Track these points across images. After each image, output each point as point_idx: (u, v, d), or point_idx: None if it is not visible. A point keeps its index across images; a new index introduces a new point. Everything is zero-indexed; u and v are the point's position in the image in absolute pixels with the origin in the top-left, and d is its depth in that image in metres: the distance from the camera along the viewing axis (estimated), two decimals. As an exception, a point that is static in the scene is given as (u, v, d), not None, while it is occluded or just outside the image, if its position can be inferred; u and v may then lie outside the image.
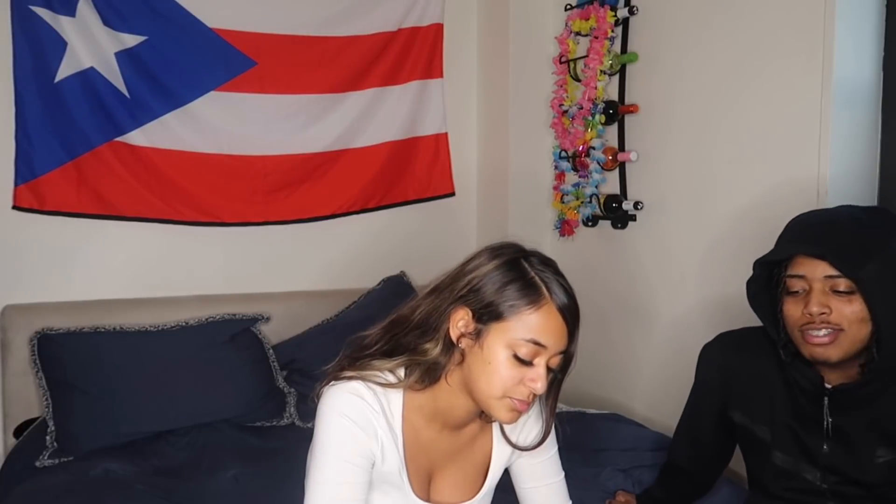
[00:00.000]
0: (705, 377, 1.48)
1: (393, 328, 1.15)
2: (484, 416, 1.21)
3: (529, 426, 1.24)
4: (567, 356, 1.10)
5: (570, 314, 1.07)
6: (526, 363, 1.05)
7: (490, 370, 1.06)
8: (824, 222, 1.26)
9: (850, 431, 1.28)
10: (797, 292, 1.24)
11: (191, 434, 2.00)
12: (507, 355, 1.05)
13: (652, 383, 2.31)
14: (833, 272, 1.19)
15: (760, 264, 1.30)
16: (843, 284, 1.19)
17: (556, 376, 1.11)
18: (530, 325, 1.04)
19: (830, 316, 1.20)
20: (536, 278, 1.06)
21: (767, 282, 1.31)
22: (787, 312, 1.26)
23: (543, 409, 1.20)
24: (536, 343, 1.05)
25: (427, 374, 1.11)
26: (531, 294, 1.05)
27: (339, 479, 1.07)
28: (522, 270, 1.07)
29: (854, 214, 1.26)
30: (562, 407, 2.12)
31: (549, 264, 1.10)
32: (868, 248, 1.18)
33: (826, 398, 1.29)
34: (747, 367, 1.39)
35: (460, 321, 1.08)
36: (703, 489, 1.61)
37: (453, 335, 1.09)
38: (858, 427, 1.27)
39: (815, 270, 1.21)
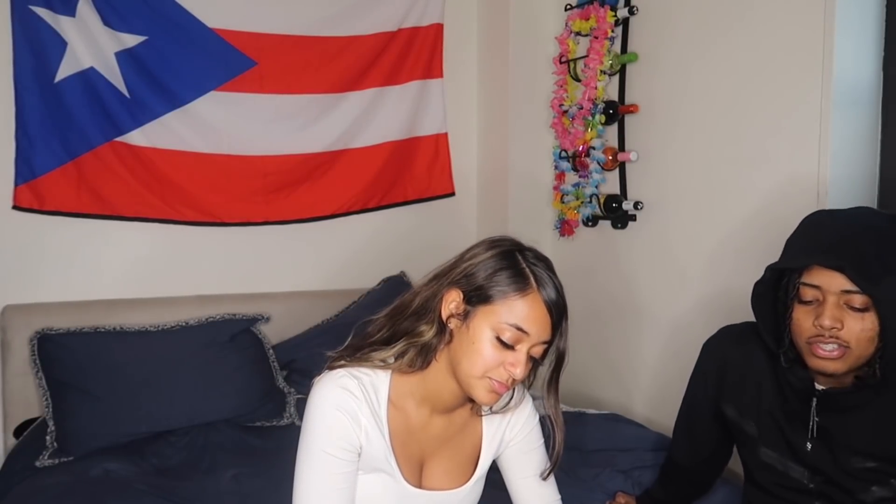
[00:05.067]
0: (703, 369, 1.47)
1: (395, 314, 1.20)
2: (474, 408, 1.24)
3: (516, 418, 1.27)
4: (558, 353, 1.15)
5: (556, 307, 1.11)
6: (508, 347, 1.10)
7: (473, 350, 1.10)
8: (844, 230, 1.18)
9: (834, 434, 1.27)
10: (810, 302, 1.19)
11: (191, 434, 2.00)
12: (491, 337, 1.10)
13: (652, 384, 2.31)
14: (850, 286, 1.13)
15: (772, 268, 1.25)
16: (858, 300, 1.14)
17: (539, 365, 1.16)
18: (515, 311, 1.09)
19: (841, 332, 1.15)
20: (527, 269, 1.11)
21: (775, 283, 1.26)
22: (796, 320, 1.21)
23: (544, 407, 1.22)
24: (519, 329, 1.09)
25: (420, 356, 1.16)
26: (519, 282, 1.10)
27: (325, 470, 1.12)
28: (515, 260, 1.12)
29: (874, 223, 1.19)
30: (561, 406, 2.13)
31: (542, 259, 1.15)
32: (888, 262, 1.13)
33: (815, 399, 1.28)
34: (741, 360, 1.38)
35: (452, 302, 1.13)
36: (703, 489, 1.62)
37: (444, 315, 1.14)
38: (842, 430, 1.26)
39: (832, 283, 1.15)
